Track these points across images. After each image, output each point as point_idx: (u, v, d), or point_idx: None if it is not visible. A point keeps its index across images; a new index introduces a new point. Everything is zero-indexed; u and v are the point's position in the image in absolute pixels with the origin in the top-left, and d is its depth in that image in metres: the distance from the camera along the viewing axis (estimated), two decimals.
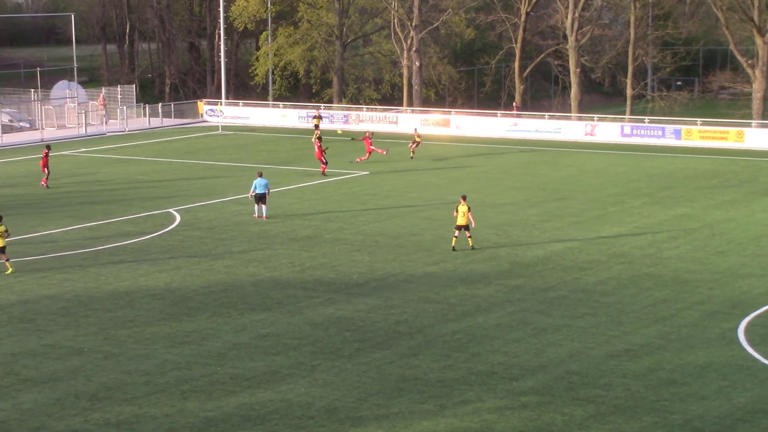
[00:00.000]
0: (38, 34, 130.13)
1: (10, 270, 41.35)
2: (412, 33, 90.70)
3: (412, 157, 69.65)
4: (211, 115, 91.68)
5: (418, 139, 70.58)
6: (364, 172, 64.36)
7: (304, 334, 33.81)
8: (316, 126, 76.89)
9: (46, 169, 60.33)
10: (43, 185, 60.22)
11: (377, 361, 31.18)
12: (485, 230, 47.59)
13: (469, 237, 44.55)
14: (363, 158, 67.47)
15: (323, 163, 63.33)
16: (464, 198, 44.65)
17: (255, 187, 51.02)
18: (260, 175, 51.49)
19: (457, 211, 44.19)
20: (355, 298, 37.69)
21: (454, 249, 44.31)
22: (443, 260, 43.05)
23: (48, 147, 62.08)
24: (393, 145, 76.30)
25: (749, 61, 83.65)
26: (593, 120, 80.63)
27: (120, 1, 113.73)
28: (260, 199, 51.05)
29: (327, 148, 64.26)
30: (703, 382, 29.35)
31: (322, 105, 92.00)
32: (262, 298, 37.89)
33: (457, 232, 44.45)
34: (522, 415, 27.17)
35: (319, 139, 65.43)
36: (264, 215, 50.89)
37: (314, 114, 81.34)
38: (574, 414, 27.18)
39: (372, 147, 67.22)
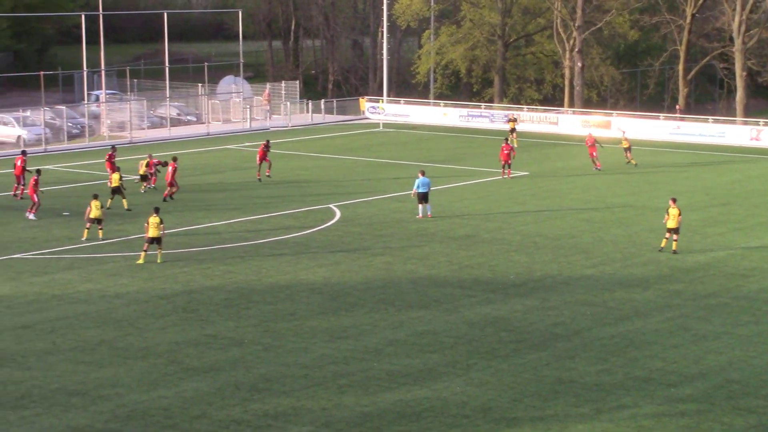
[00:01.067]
0: (207, 29, 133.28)
1: (159, 260, 42.60)
2: (574, 33, 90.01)
3: (634, 164, 66.87)
4: (372, 113, 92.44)
5: (626, 144, 68.13)
6: (524, 173, 64.14)
7: (460, 332, 33.95)
8: (513, 130, 75.39)
9: (266, 161, 60.71)
10: (260, 177, 60.97)
11: (533, 363, 31.16)
12: (645, 234, 47.10)
13: (675, 240, 44.06)
14: (599, 165, 65.26)
15: (506, 166, 62.25)
16: (674, 200, 44.36)
17: (418, 186, 51.15)
18: (422, 174, 51.53)
19: (668, 214, 43.96)
20: (512, 299, 37.68)
21: (661, 249, 44.14)
22: (602, 263, 42.72)
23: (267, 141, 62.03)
24: (553, 147, 76.14)
25: None
26: (759, 125, 78.84)
27: None
28: (423, 198, 51.17)
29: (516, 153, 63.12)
30: None
31: (485, 105, 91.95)
32: (420, 295, 38.13)
33: (668, 235, 44.15)
34: (680, 422, 26.86)
35: (506, 140, 64.24)
36: (429, 213, 50.86)
37: (509, 117, 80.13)
38: (734, 424, 26.75)
39: (594, 152, 65.55)
